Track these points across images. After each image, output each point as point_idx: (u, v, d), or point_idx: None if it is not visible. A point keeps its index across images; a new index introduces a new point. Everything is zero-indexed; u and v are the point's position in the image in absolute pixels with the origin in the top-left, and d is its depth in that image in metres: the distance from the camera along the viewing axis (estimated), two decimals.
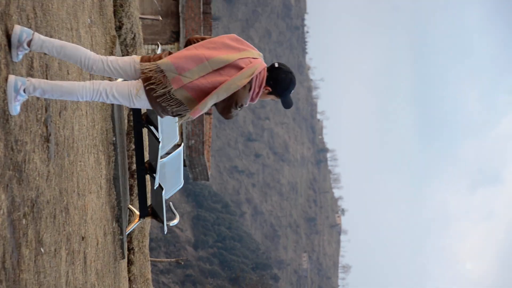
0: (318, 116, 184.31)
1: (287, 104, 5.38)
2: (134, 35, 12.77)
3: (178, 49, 23.09)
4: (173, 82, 4.95)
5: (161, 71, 4.96)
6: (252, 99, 5.27)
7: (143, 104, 5.10)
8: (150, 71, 5.00)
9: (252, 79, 5.10)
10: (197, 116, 5.10)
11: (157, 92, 4.96)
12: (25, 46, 4.61)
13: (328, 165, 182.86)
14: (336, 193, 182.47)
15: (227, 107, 5.16)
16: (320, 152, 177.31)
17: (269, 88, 5.28)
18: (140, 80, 5.04)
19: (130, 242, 12.50)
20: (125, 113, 11.42)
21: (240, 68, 5.09)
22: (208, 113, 28.11)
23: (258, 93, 5.23)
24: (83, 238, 6.99)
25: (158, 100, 5.01)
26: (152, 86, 4.97)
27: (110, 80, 6.70)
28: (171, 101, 4.99)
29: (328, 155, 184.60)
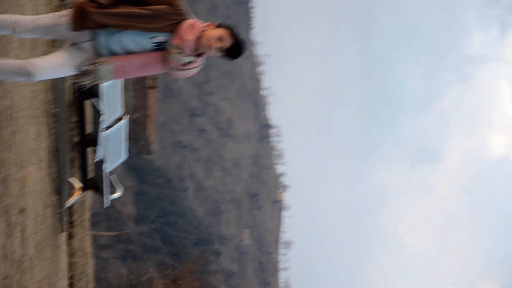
0: (263, 92, 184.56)
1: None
2: None
3: None
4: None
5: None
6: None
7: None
8: None
9: None
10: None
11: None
12: None
13: (272, 141, 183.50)
14: (279, 169, 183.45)
15: None
16: (264, 128, 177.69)
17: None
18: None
19: (70, 215, 12.42)
20: (68, 84, 11.28)
21: None
22: (152, 87, 27.97)
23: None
24: (21, 210, 6.93)
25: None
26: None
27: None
28: None
29: (272, 131, 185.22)
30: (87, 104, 10.96)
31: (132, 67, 4.80)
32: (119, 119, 11.96)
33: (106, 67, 4.72)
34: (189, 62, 4.85)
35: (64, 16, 4.69)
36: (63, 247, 11.37)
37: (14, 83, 6.69)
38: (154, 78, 28.14)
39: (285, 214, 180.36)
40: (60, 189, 10.19)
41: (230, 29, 4.84)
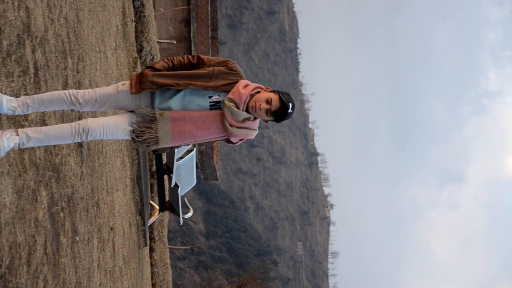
0: (310, 125, 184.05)
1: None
2: (153, 57, 12.77)
3: None
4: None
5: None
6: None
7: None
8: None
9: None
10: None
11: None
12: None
13: (319, 167, 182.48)
14: (326, 190, 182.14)
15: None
16: (311, 156, 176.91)
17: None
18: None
19: (151, 232, 12.49)
20: None
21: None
22: None
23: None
24: (111, 228, 6.99)
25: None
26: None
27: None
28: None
29: (319, 158, 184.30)
30: None
31: (189, 119, 4.06)
32: (190, 151, 12.05)
33: (163, 117, 4.04)
34: (246, 120, 4.15)
35: (124, 84, 4.14)
36: (146, 259, 11.44)
37: None
38: None
39: (332, 228, 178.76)
40: (142, 211, 10.27)
41: (280, 93, 4.15)
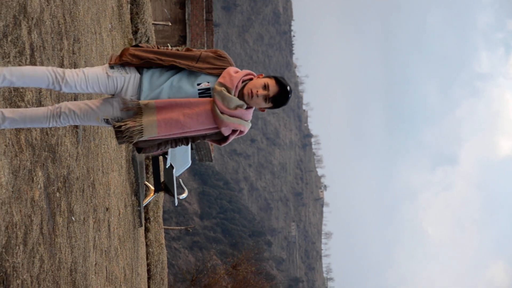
0: (304, 107, 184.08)
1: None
2: (148, 39, 12.73)
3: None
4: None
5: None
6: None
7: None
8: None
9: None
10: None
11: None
12: None
13: (313, 148, 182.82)
14: (319, 171, 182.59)
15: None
16: (305, 137, 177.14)
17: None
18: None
19: (146, 212, 12.53)
20: None
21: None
22: None
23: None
24: (107, 209, 7.02)
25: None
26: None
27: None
28: None
29: (313, 139, 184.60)
30: None
31: (176, 107, 3.67)
32: None
33: (148, 107, 3.68)
34: (238, 107, 3.78)
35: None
36: (142, 239, 11.48)
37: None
38: None
39: (326, 209, 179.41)
40: (137, 191, 10.29)
41: (276, 78, 3.82)
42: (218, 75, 3.81)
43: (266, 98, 3.80)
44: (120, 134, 3.69)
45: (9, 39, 3.90)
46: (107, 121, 3.81)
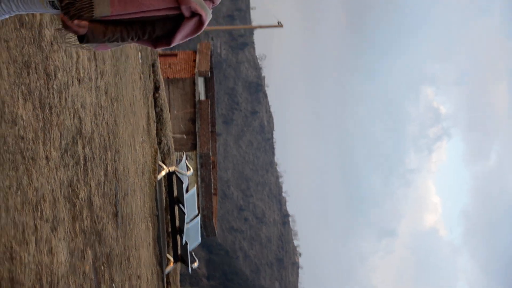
0: (283, 194, 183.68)
1: None
2: (169, 147, 12.86)
3: (196, 155, 23.31)
4: None
5: None
6: None
7: None
8: None
9: None
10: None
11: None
12: None
13: (290, 225, 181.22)
14: (296, 242, 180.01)
15: None
16: (285, 217, 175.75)
17: None
18: None
19: (168, 278, 12.26)
20: (164, 196, 11.38)
21: None
22: (215, 194, 27.98)
23: None
24: (139, 277, 6.89)
25: None
26: None
27: None
28: None
29: (290, 218, 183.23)
30: (176, 208, 11.01)
31: None
32: (196, 216, 11.98)
33: None
34: None
35: None
36: None
37: (132, 197, 6.79)
38: (215, 187, 28.40)
39: (300, 271, 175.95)
40: (161, 262, 10.12)
41: None
42: None
43: None
44: (68, 14, 2.14)
45: (68, 153, 3.97)
46: (52, 3, 2.25)
